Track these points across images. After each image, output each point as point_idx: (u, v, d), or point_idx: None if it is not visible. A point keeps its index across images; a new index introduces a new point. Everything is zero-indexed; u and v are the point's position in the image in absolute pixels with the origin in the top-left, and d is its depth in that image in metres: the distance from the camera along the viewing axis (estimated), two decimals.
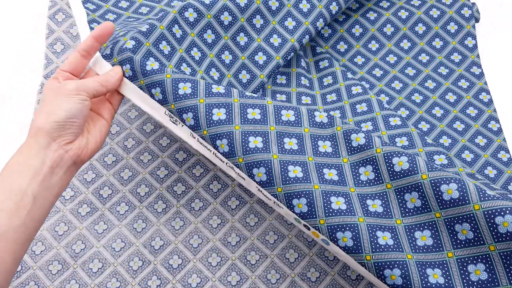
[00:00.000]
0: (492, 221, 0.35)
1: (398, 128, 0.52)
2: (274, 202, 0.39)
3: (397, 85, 0.60)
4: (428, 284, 0.35)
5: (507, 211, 0.35)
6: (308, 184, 0.38)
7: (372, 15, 0.63)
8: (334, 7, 0.56)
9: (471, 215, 0.36)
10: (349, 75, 0.59)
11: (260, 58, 0.53)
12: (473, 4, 0.63)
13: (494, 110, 0.57)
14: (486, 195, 0.36)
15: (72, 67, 0.40)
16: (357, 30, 0.62)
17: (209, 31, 0.49)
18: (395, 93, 0.59)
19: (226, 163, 0.41)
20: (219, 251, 0.50)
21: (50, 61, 0.59)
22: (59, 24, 0.60)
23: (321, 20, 0.55)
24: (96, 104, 0.42)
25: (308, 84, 0.58)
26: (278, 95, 0.56)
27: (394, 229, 0.38)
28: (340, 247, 0.37)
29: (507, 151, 0.54)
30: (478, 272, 0.36)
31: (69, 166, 0.37)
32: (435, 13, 0.62)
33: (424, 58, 0.61)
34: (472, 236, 0.37)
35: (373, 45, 0.62)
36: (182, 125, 0.41)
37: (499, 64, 0.62)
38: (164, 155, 0.55)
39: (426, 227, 0.39)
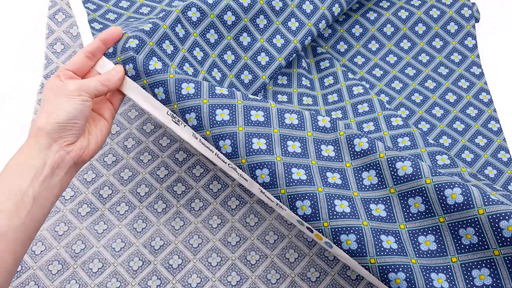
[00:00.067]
0: (496, 225, 0.35)
1: (400, 128, 0.52)
2: (277, 204, 0.39)
3: (397, 85, 0.60)
4: None
5: None
6: (312, 187, 0.38)
7: (372, 15, 0.63)
8: (336, 9, 0.56)
9: (475, 219, 0.36)
10: (350, 75, 0.59)
11: (263, 58, 0.53)
12: (473, 4, 0.63)
13: (494, 110, 0.57)
14: (491, 199, 0.36)
15: (77, 67, 0.40)
16: (357, 30, 0.62)
17: (212, 31, 0.49)
18: (395, 93, 0.59)
19: (229, 164, 0.40)
20: (219, 251, 0.50)
21: (50, 61, 0.59)
22: (59, 24, 0.60)
23: (323, 21, 0.55)
24: (97, 104, 0.42)
25: (309, 85, 0.58)
26: (279, 96, 0.56)
27: (398, 233, 0.38)
28: (344, 250, 0.37)
29: (507, 151, 0.54)
30: (482, 277, 0.36)
31: (70, 167, 0.37)
32: (435, 13, 0.62)
33: (424, 58, 0.61)
34: (477, 241, 0.37)
35: (373, 45, 0.62)
36: (185, 126, 0.41)
37: (499, 64, 0.62)
38: (164, 155, 0.55)
39: (430, 232, 0.38)
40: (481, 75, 0.60)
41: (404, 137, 0.50)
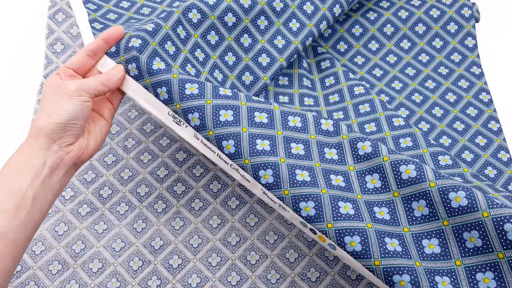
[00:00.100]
0: (500, 228, 0.35)
1: (402, 129, 0.52)
2: (280, 206, 0.39)
3: (397, 85, 0.60)
4: None
5: None
6: (315, 188, 0.38)
7: (372, 15, 0.63)
8: (337, 10, 0.55)
9: (480, 222, 0.36)
10: (351, 75, 0.59)
11: (264, 60, 0.53)
12: (473, 4, 0.63)
13: (494, 110, 0.57)
14: (495, 203, 0.36)
15: (77, 65, 0.40)
16: (357, 30, 0.62)
17: (212, 32, 0.49)
18: (395, 93, 0.59)
19: (231, 165, 0.40)
20: (219, 251, 0.50)
21: (50, 61, 0.59)
22: (59, 24, 0.60)
23: (324, 22, 0.55)
24: (97, 103, 0.42)
25: (310, 85, 0.58)
26: (280, 97, 0.56)
27: (402, 236, 0.38)
28: (348, 252, 0.36)
29: (507, 151, 0.54)
30: (486, 280, 0.36)
31: (69, 167, 0.37)
32: (435, 13, 0.62)
33: (424, 58, 0.61)
34: (481, 244, 0.36)
35: (373, 45, 0.62)
36: (186, 126, 0.41)
37: (499, 64, 0.62)
38: (164, 155, 0.55)
39: (433, 235, 0.38)
40: (481, 75, 0.60)
41: (406, 137, 0.50)
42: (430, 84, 0.60)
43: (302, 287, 0.48)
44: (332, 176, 0.40)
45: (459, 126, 0.56)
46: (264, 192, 0.39)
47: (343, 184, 0.40)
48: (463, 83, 0.60)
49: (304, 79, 0.58)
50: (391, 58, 0.62)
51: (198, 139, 0.41)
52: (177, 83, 0.40)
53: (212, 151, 0.40)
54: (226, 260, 0.50)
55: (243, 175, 0.40)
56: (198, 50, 0.48)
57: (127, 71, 0.42)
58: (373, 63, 0.61)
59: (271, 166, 0.38)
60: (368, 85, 0.59)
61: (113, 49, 0.42)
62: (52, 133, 0.35)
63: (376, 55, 0.62)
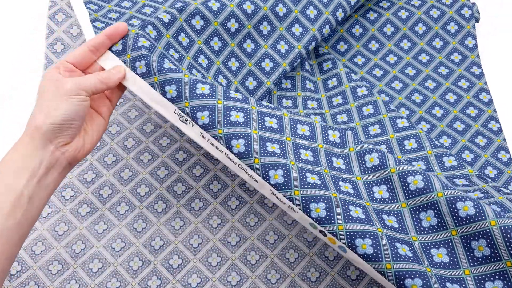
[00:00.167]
0: (508, 236, 0.35)
1: (406, 130, 0.52)
2: (289, 207, 0.38)
3: (397, 85, 0.60)
4: None
5: None
6: (326, 191, 0.38)
7: (372, 15, 0.63)
8: (340, 14, 0.55)
9: (488, 230, 0.36)
10: (353, 76, 0.59)
11: (267, 64, 0.53)
12: (473, 4, 0.63)
13: (494, 110, 0.57)
14: (501, 215, 0.36)
15: (78, 60, 0.39)
16: (357, 30, 0.62)
17: (215, 39, 0.49)
18: (395, 93, 0.59)
19: (238, 165, 0.39)
20: (219, 251, 0.50)
21: (50, 61, 0.59)
22: (59, 24, 0.60)
23: (327, 26, 0.55)
24: (95, 101, 0.41)
25: (313, 88, 0.58)
26: (284, 100, 0.56)
27: (411, 244, 0.38)
28: (359, 255, 0.36)
29: (507, 151, 0.54)
30: None
31: (64, 166, 0.37)
32: (435, 13, 0.62)
33: (424, 58, 0.61)
34: (489, 253, 0.36)
35: (373, 45, 0.62)
36: (193, 125, 0.40)
37: (499, 64, 0.62)
38: (164, 155, 0.55)
39: (442, 245, 0.38)
40: (481, 75, 0.60)
41: (410, 139, 0.50)
42: (430, 84, 0.60)
43: (302, 287, 0.48)
44: (341, 183, 0.40)
45: (459, 126, 0.56)
46: (273, 193, 0.38)
47: (352, 191, 0.40)
48: (463, 83, 0.60)
49: (307, 81, 0.58)
50: (391, 58, 0.62)
51: (205, 138, 0.40)
52: (188, 82, 0.40)
53: (219, 150, 0.40)
54: (226, 260, 0.50)
55: (251, 175, 0.39)
56: (202, 56, 0.48)
57: (134, 69, 0.41)
58: (373, 63, 0.62)
59: (282, 167, 0.38)
60: (369, 86, 0.59)
61: (120, 47, 0.42)
62: (48, 133, 0.35)
63: (376, 55, 0.62)
